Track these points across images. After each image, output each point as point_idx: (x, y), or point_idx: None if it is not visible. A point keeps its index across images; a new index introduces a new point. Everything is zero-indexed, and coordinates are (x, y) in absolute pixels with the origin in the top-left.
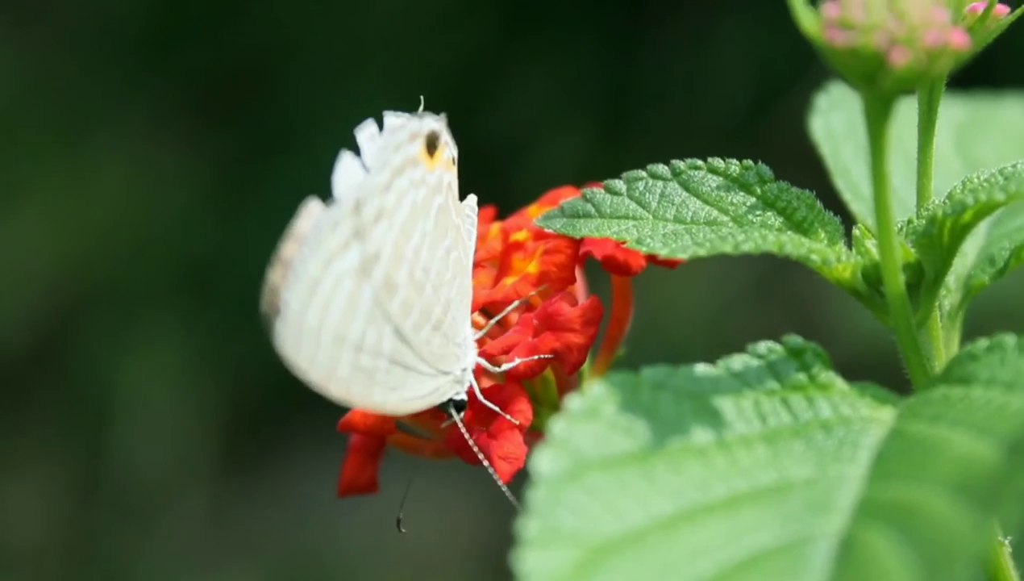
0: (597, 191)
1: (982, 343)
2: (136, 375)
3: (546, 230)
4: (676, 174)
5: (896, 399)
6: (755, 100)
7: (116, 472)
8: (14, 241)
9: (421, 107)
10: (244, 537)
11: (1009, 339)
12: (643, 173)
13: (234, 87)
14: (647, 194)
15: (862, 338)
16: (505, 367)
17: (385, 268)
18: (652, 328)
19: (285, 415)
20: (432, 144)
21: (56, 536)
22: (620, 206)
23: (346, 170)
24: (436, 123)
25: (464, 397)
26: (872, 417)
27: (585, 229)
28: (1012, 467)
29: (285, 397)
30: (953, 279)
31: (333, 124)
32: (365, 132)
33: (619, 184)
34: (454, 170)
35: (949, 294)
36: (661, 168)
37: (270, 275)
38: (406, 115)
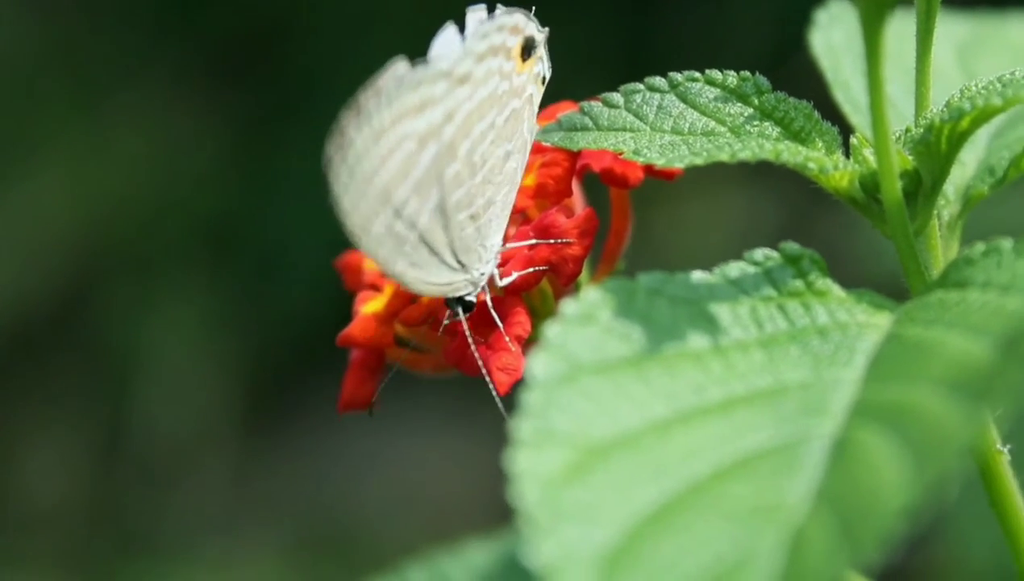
0: (595, 104)
1: (979, 247)
2: (158, 337)
3: (544, 144)
4: (673, 86)
5: (893, 305)
6: (773, 51)
7: (138, 434)
8: (35, 205)
9: (532, 11)
10: (266, 497)
11: (1006, 243)
12: (640, 86)
13: (252, 48)
14: (644, 106)
15: (890, 284)
16: (504, 282)
17: (454, 132)
18: None
19: (306, 375)
20: (528, 49)
21: (79, 498)
22: (617, 119)
23: (445, 38)
24: (538, 33)
25: (473, 299)
26: (869, 322)
27: (583, 142)
28: (1004, 363)
29: (306, 358)
30: (952, 189)
31: (351, 84)
32: (476, 13)
33: (616, 97)
34: (541, 88)
35: (948, 204)
36: (658, 80)
37: (342, 116)
38: (520, 11)
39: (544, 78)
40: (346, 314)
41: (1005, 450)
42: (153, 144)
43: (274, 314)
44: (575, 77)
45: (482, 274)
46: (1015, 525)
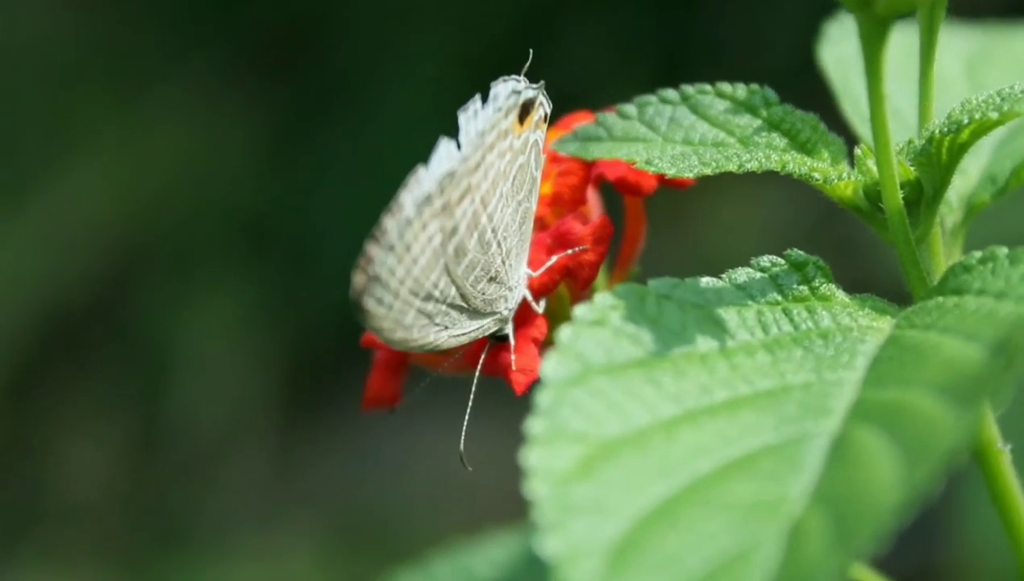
0: (609, 115)
1: (975, 255)
2: (195, 330)
3: (560, 154)
4: (685, 98)
5: (895, 310)
6: (811, 52)
7: (176, 427)
8: (74, 199)
9: (524, 70)
10: (304, 489)
11: (1001, 250)
12: (653, 98)
13: (291, 43)
14: (657, 118)
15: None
16: (540, 308)
17: (459, 239)
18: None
19: (343, 369)
20: (526, 111)
21: (117, 491)
22: (631, 129)
23: (441, 154)
24: (532, 92)
25: (507, 332)
26: (871, 326)
27: (597, 152)
28: (993, 365)
29: (344, 349)
30: (955, 198)
31: (388, 78)
32: (467, 112)
33: (630, 108)
34: (544, 127)
35: (951, 212)
36: (671, 93)
37: (367, 245)
38: (511, 81)
39: (546, 116)
40: None
41: (1006, 449)
42: (192, 138)
43: (311, 308)
44: (617, 73)
45: (510, 310)
46: (1016, 521)
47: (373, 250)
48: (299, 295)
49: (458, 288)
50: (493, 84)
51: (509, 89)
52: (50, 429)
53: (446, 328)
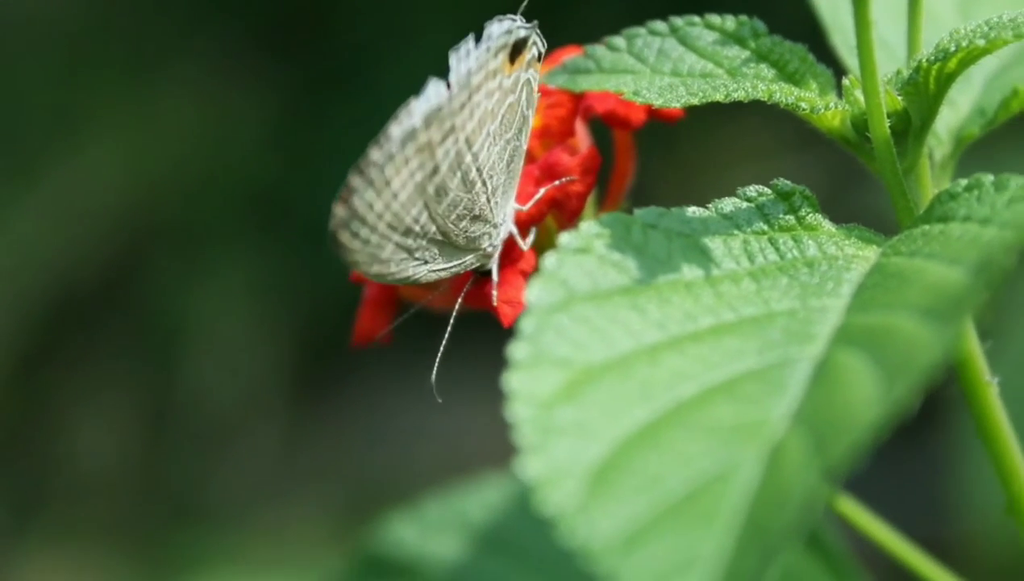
0: (598, 48)
1: (961, 182)
2: (207, 306)
3: (549, 87)
4: (673, 30)
5: (881, 239)
6: None
7: (187, 402)
8: (86, 175)
9: (520, 9)
10: (315, 465)
11: (986, 177)
12: (642, 30)
13: (302, 20)
14: (645, 49)
15: None
16: (527, 242)
17: (440, 179)
18: None
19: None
20: (518, 50)
21: (129, 466)
22: (619, 61)
23: (429, 92)
24: (525, 31)
25: (490, 267)
26: (856, 255)
27: (585, 84)
28: (974, 285)
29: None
30: (944, 130)
31: (399, 55)
32: (459, 51)
33: (619, 40)
34: (537, 66)
35: (940, 145)
36: (659, 24)
37: (351, 177)
38: (506, 21)
39: (540, 55)
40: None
41: (993, 381)
42: (203, 114)
43: (322, 283)
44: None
45: (494, 247)
46: (1003, 454)
47: (356, 181)
48: (310, 271)
49: (439, 226)
50: (487, 23)
51: (503, 29)
52: (62, 406)
53: (426, 262)
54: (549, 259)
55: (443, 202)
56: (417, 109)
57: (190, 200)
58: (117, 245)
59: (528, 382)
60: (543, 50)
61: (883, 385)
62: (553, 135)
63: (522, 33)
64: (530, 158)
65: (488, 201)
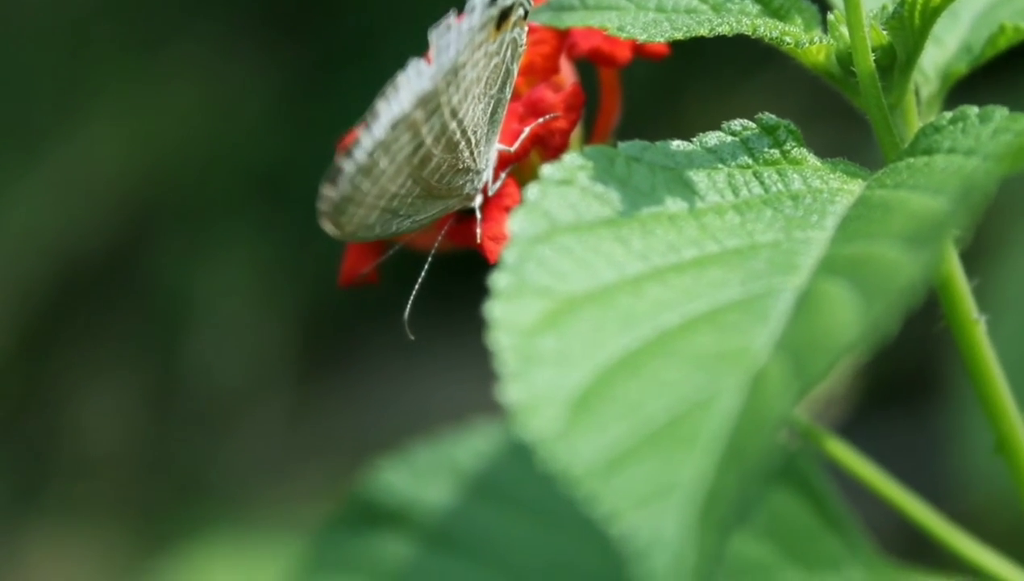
0: None
1: (946, 115)
2: (211, 284)
3: (533, 24)
4: None
5: (866, 173)
6: None
7: (192, 381)
8: (89, 154)
9: None
10: (320, 443)
11: (971, 109)
12: None
13: None
14: None
15: None
16: (502, 177)
17: (425, 150)
18: None
19: (358, 323)
20: (504, 16)
21: (134, 444)
22: None
23: (410, 74)
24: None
25: (474, 206)
26: (841, 188)
27: (570, 20)
28: (954, 211)
29: (359, 305)
30: (931, 67)
31: (406, 33)
32: (442, 29)
33: None
34: (524, 25)
35: (927, 82)
36: None
37: (340, 161)
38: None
39: (526, 13)
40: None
41: (981, 320)
42: (207, 93)
43: (326, 262)
44: None
45: (476, 189)
46: (991, 392)
47: (345, 164)
48: (315, 249)
49: (422, 186)
50: None
51: (487, 1)
52: (66, 383)
53: (409, 217)
54: (532, 190)
55: (427, 167)
56: (404, 92)
57: (195, 178)
58: (122, 223)
59: (510, 311)
60: (529, 7)
61: (861, 308)
62: (537, 72)
63: (508, 2)
64: (514, 96)
65: (471, 154)
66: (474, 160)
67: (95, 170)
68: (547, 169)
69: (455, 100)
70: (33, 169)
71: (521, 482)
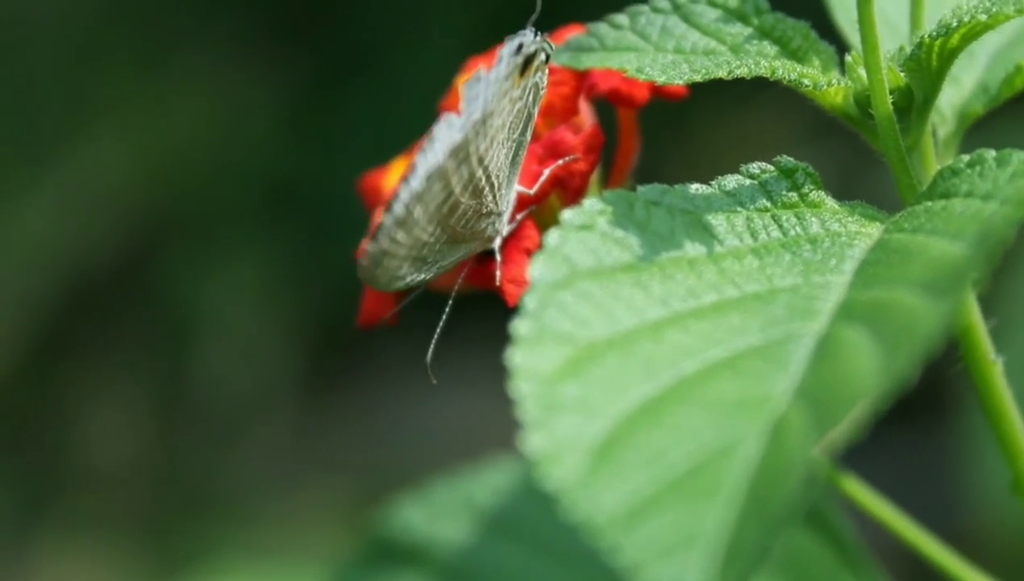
0: (601, 25)
1: (964, 158)
2: (218, 296)
3: (552, 64)
4: (676, 7)
5: (884, 216)
6: None
7: (199, 392)
8: (96, 164)
9: (530, 21)
10: (328, 455)
11: (988, 153)
12: (645, 7)
13: (313, 9)
14: (648, 27)
15: None
16: (518, 218)
17: (454, 200)
18: None
19: (365, 335)
20: (528, 63)
21: (141, 458)
22: (623, 39)
23: (442, 128)
24: (533, 47)
25: (494, 247)
26: (859, 232)
27: (588, 61)
28: (973, 257)
29: None
30: (948, 108)
31: (413, 43)
32: (474, 82)
33: (622, 18)
34: (545, 69)
35: (944, 122)
36: (663, 2)
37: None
38: (516, 39)
39: (548, 57)
40: None
41: (999, 360)
42: (214, 104)
43: (334, 273)
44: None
45: (497, 230)
46: (1008, 432)
47: (386, 219)
48: (322, 261)
49: (448, 233)
50: (499, 48)
51: (512, 50)
52: (74, 396)
53: (436, 263)
54: (552, 236)
55: (454, 215)
56: (439, 144)
57: (202, 190)
58: (129, 235)
59: (531, 358)
60: (551, 53)
61: (882, 357)
62: (556, 113)
63: (531, 49)
64: (534, 137)
65: (494, 198)
66: (496, 203)
67: (102, 182)
68: (567, 214)
69: (482, 148)
70: (41, 181)
71: (538, 519)
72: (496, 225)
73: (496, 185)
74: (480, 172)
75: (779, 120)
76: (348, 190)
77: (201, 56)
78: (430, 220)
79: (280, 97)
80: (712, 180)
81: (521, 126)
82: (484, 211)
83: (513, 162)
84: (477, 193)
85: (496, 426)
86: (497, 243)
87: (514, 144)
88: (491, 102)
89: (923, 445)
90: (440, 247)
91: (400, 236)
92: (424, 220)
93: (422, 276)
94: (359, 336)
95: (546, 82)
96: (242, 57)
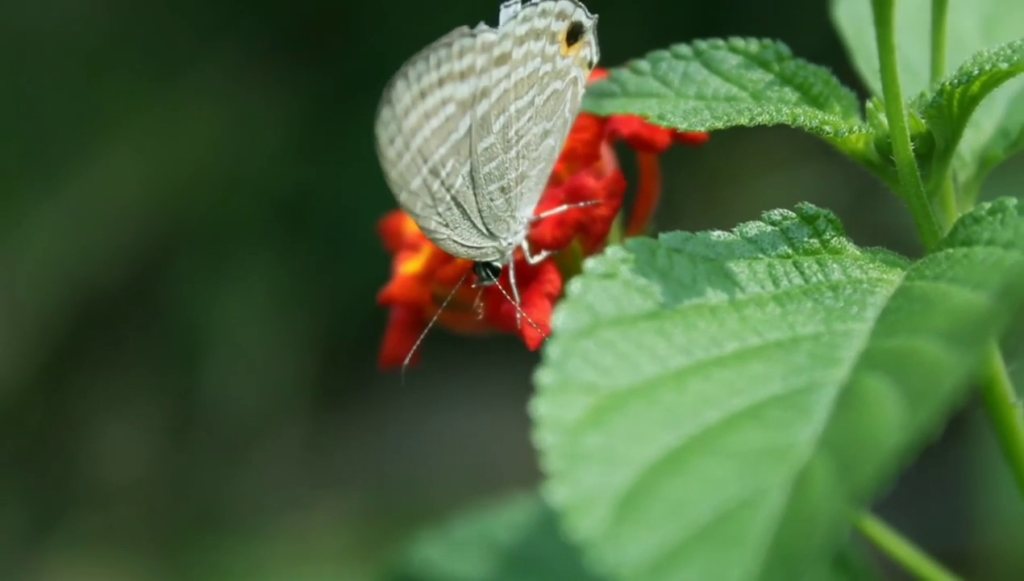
0: (623, 71)
1: (985, 206)
2: (229, 312)
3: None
4: (698, 54)
5: (905, 263)
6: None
7: (210, 409)
8: (107, 180)
9: None
10: (338, 472)
11: (1010, 201)
12: (666, 53)
13: (324, 25)
14: (670, 73)
15: None
16: (536, 260)
17: (488, 107)
18: None
19: (376, 348)
20: (574, 34)
21: (151, 472)
22: (644, 85)
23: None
24: (587, 19)
25: (499, 266)
26: (881, 278)
27: (610, 107)
28: (997, 309)
29: (376, 332)
30: (968, 152)
31: None
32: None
33: (643, 64)
34: (587, 71)
35: (964, 167)
36: (684, 48)
37: (396, 74)
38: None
39: (591, 62)
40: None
41: (1019, 403)
42: (225, 120)
43: (344, 289)
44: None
45: (510, 244)
46: None
47: (398, 83)
48: (332, 277)
49: (471, 176)
50: None
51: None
52: (84, 411)
53: (447, 225)
54: (575, 284)
55: (484, 141)
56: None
57: (213, 206)
58: (140, 252)
59: (555, 408)
60: (595, 57)
61: (907, 409)
62: (578, 158)
63: (581, 17)
64: (556, 181)
65: (516, 182)
66: (516, 197)
67: (113, 199)
68: (590, 263)
69: (515, 78)
70: (52, 198)
71: (556, 555)
72: (509, 235)
73: (521, 166)
74: (513, 108)
75: (791, 133)
76: (358, 207)
77: (212, 74)
78: (440, 132)
79: (291, 114)
80: (730, 214)
81: (555, 120)
82: (505, 185)
83: (540, 169)
84: (506, 142)
85: (506, 441)
86: (506, 258)
87: (546, 136)
88: (520, 25)
89: (935, 466)
90: (452, 204)
91: (408, 105)
92: (434, 120)
93: (432, 226)
94: (368, 351)
95: (585, 82)
96: (253, 75)
